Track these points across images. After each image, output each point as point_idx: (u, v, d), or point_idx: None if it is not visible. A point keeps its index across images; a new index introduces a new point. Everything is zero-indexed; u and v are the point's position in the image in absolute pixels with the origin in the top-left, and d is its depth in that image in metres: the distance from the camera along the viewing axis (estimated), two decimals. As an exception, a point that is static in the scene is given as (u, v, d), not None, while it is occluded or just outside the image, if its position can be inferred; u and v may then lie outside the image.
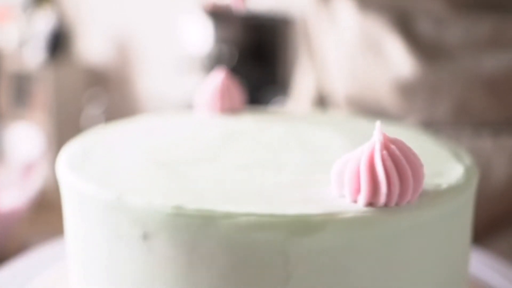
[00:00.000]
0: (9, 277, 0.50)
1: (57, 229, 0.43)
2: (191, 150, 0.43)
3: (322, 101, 0.74)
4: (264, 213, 0.31)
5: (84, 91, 2.37)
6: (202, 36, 1.90)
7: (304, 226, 0.30)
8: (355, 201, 0.32)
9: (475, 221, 0.48)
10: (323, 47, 0.71)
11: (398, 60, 0.64)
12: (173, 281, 0.32)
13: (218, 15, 1.89)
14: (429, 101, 0.63)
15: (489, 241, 0.62)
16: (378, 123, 0.32)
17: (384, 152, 0.31)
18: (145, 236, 0.33)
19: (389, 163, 0.31)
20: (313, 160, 0.40)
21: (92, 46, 2.50)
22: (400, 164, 0.31)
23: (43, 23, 2.36)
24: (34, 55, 2.34)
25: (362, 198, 0.31)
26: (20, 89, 2.43)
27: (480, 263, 0.51)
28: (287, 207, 0.32)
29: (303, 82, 0.78)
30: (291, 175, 0.37)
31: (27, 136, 2.33)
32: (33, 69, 2.36)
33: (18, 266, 0.52)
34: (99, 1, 2.44)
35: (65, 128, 2.26)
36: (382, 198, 0.31)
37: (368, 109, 0.66)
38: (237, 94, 0.55)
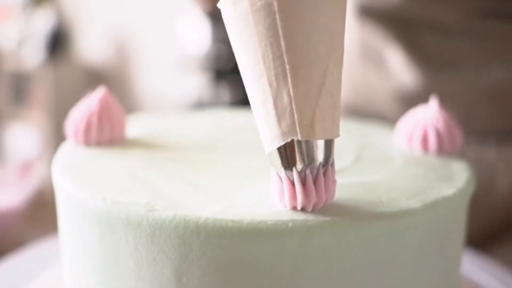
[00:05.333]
0: (6, 274, 0.50)
1: (54, 228, 0.43)
2: (183, 151, 0.43)
3: None
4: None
5: (82, 91, 2.36)
6: (201, 36, 1.90)
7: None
8: (425, 151, 0.44)
9: (478, 229, 0.49)
10: None
11: (400, 70, 0.63)
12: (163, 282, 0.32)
13: (217, 15, 1.88)
14: None
15: (492, 249, 0.62)
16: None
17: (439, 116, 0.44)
18: (135, 242, 0.32)
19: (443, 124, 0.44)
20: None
21: (91, 46, 2.50)
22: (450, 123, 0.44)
23: (42, 23, 2.36)
24: (33, 55, 2.34)
25: (432, 147, 0.44)
26: (19, 88, 2.42)
27: (483, 271, 0.52)
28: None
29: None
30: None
31: (25, 135, 2.33)
32: (32, 68, 2.35)
33: (15, 263, 0.52)
34: (98, 0, 2.44)
35: (63, 128, 2.24)
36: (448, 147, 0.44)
37: (367, 119, 0.66)
38: (119, 120, 0.43)
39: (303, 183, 0.31)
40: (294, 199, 0.32)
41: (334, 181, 0.33)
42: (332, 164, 0.32)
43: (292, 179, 0.31)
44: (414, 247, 0.34)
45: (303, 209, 0.32)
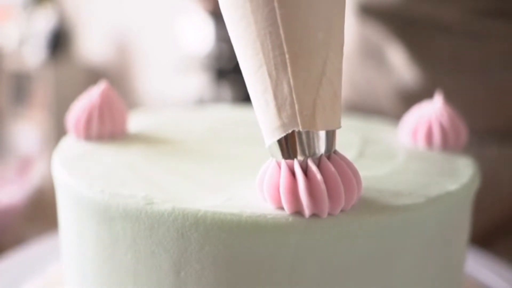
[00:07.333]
0: (6, 271, 0.50)
1: (54, 226, 0.43)
2: (183, 145, 0.43)
3: None
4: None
5: (83, 90, 2.35)
6: (202, 35, 1.90)
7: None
8: (429, 146, 0.44)
9: (480, 226, 0.48)
10: None
11: (400, 68, 0.63)
12: (160, 277, 0.32)
13: (218, 14, 1.88)
14: None
15: (494, 246, 0.62)
16: None
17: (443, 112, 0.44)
18: (134, 236, 0.32)
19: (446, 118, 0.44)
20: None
21: (92, 45, 2.50)
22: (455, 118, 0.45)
23: (43, 22, 2.36)
24: (34, 54, 2.34)
25: (437, 142, 0.44)
26: (20, 88, 2.42)
27: (485, 268, 0.52)
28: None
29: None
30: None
31: (26, 134, 2.33)
32: (33, 68, 2.35)
33: (15, 260, 0.52)
34: (99, 0, 2.44)
35: (64, 127, 2.24)
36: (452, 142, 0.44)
37: (368, 116, 0.66)
38: (120, 114, 0.44)
39: (305, 173, 0.30)
40: (296, 195, 0.30)
41: (350, 164, 0.31)
42: (336, 152, 0.32)
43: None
44: (416, 242, 0.34)
45: (315, 215, 0.30)
